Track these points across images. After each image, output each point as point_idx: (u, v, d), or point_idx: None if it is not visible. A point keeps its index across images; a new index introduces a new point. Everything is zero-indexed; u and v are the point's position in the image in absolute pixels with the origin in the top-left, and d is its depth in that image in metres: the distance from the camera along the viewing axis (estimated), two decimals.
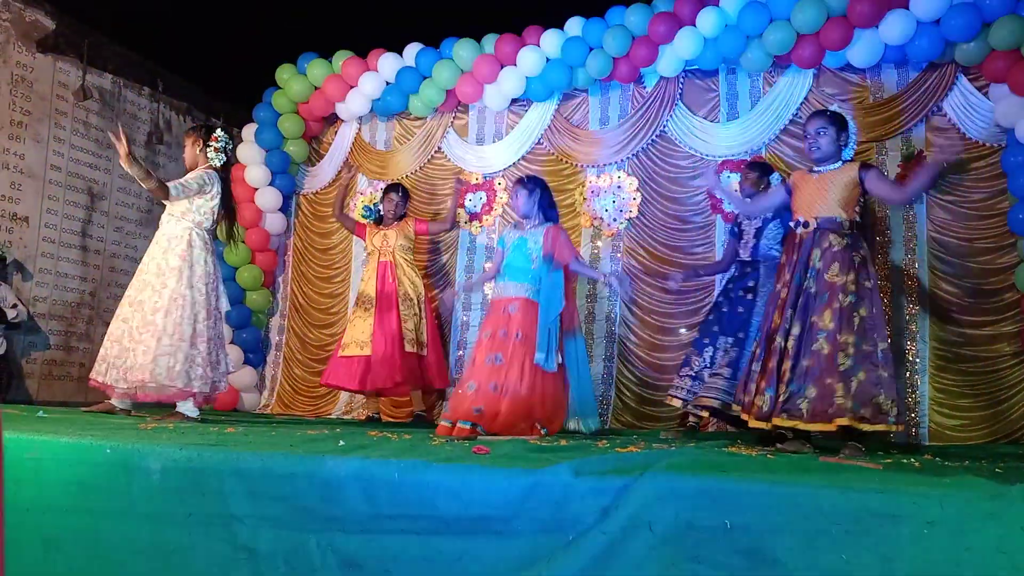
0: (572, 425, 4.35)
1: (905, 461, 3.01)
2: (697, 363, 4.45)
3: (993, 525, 1.70)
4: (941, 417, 4.75)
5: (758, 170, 4.69)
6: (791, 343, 3.35)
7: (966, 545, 1.69)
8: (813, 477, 2.13)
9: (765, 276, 4.34)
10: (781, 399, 3.31)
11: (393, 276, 5.63)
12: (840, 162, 3.56)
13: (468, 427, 3.87)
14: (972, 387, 4.73)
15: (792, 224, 3.60)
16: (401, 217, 5.85)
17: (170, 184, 4.16)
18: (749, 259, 4.52)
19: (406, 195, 5.92)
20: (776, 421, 3.32)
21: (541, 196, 4.41)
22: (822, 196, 3.48)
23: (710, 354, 4.42)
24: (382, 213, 5.91)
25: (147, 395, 4.11)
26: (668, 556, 1.85)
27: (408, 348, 5.48)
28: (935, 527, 1.71)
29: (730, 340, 4.34)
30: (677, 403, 4.50)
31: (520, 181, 4.49)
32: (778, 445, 3.36)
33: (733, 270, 4.64)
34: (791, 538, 1.79)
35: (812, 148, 3.57)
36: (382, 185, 6.42)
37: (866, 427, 3.19)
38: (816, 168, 3.60)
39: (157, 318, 4.07)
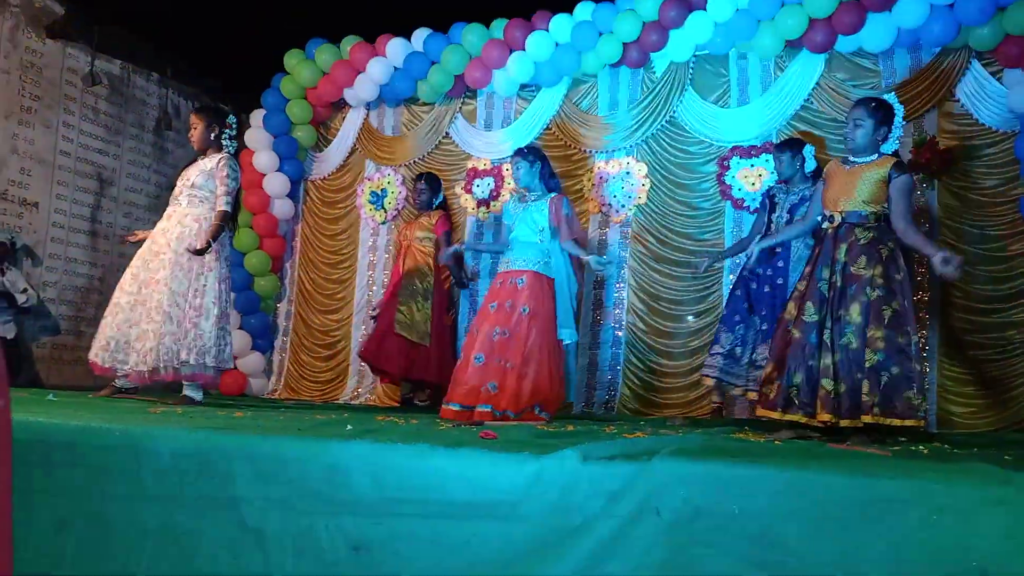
0: None
1: (913, 448, 3.01)
2: (727, 340, 4.41)
3: (1002, 512, 1.69)
4: (949, 404, 4.73)
5: (790, 148, 4.52)
6: (826, 337, 3.25)
7: (974, 531, 1.69)
8: (821, 463, 2.13)
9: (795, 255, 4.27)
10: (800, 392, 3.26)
11: (403, 265, 5.69)
12: (876, 155, 3.41)
13: (488, 411, 3.87)
14: (981, 374, 4.71)
15: (819, 218, 3.54)
16: (431, 205, 5.74)
17: (226, 208, 4.23)
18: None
19: (431, 184, 5.77)
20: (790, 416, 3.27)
21: (542, 167, 4.41)
22: (850, 190, 3.38)
23: (741, 331, 4.38)
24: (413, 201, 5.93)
25: (165, 375, 4.07)
26: (676, 541, 1.86)
27: (397, 330, 5.45)
28: (944, 513, 1.71)
29: (759, 322, 4.32)
30: (710, 382, 4.50)
31: (519, 152, 4.48)
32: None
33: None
34: (799, 524, 1.79)
35: (847, 138, 3.48)
36: (388, 171, 6.43)
37: (895, 422, 3.08)
38: (851, 159, 3.47)
39: (207, 302, 4.12)
